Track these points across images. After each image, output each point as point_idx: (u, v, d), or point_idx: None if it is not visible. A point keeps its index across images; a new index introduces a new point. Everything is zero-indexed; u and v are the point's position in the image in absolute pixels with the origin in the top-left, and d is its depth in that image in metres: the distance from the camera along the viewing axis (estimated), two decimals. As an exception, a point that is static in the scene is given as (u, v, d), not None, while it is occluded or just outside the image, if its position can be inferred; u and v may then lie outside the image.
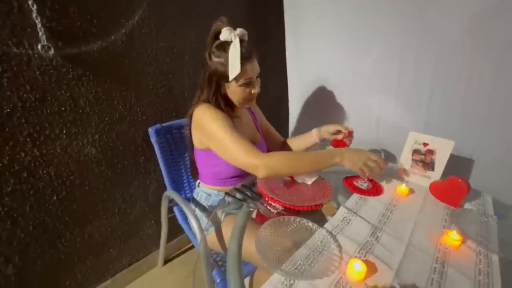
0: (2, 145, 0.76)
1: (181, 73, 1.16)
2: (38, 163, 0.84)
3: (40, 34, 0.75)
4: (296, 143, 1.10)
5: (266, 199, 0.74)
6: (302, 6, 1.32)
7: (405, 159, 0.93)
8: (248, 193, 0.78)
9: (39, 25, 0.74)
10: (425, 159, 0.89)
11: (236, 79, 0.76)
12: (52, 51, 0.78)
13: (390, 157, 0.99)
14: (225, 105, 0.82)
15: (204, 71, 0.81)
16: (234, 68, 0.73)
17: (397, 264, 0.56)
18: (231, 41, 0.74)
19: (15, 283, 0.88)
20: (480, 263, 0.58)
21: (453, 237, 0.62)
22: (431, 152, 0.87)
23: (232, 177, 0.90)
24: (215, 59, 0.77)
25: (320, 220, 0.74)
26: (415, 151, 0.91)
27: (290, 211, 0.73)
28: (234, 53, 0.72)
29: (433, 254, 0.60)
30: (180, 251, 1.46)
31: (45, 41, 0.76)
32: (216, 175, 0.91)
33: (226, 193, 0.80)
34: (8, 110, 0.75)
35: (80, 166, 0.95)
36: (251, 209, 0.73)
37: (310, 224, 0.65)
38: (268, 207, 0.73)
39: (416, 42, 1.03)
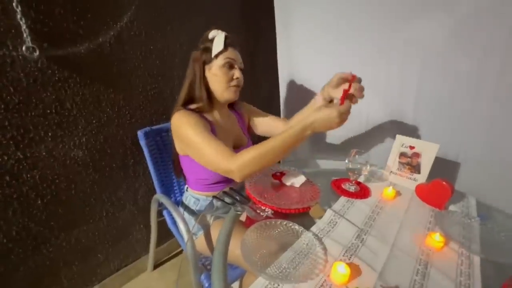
0: (-17, 148, 0.74)
1: (171, 75, 1.16)
2: (21, 167, 0.83)
3: (24, 35, 0.74)
4: (302, 117, 1.09)
5: (254, 202, 0.75)
6: (291, 8, 1.34)
7: (392, 162, 0.94)
8: (237, 197, 0.78)
9: (23, 27, 0.73)
10: (411, 162, 0.90)
11: (217, 56, 0.81)
12: (37, 53, 0.77)
13: (378, 159, 1.01)
14: (206, 97, 0.85)
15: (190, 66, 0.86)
16: (217, 45, 0.80)
17: (381, 266, 0.56)
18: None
19: (-4, 290, 0.86)
20: (462, 264, 0.59)
21: (436, 239, 0.63)
22: (417, 155, 0.89)
23: (218, 183, 0.90)
24: (202, 46, 0.83)
25: (309, 222, 0.75)
26: (402, 154, 0.92)
27: (278, 214, 0.73)
28: (220, 37, 0.81)
29: (417, 255, 0.60)
30: (170, 255, 1.45)
31: (30, 42, 0.75)
32: (201, 181, 0.91)
33: (214, 197, 0.80)
34: (-10, 112, 0.74)
35: (66, 169, 0.93)
36: (239, 213, 0.73)
37: (297, 227, 0.66)
38: (257, 211, 0.74)
39: (403, 44, 1.06)
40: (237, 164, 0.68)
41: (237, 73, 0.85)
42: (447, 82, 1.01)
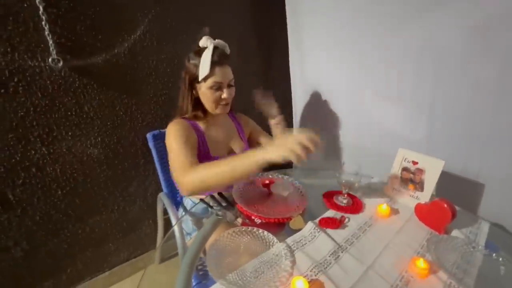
0: (15, 143, 0.88)
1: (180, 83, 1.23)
2: (45, 161, 0.96)
3: (51, 49, 0.86)
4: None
5: (238, 208, 0.76)
6: (303, 14, 1.34)
7: (393, 177, 0.88)
8: (222, 202, 0.80)
9: (50, 41, 0.86)
10: (414, 178, 0.83)
11: (204, 79, 0.83)
12: (61, 63, 0.89)
13: (383, 172, 0.94)
14: (195, 108, 0.89)
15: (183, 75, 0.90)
16: (203, 69, 0.82)
17: (348, 286, 0.53)
18: (207, 47, 0.82)
19: (22, 265, 1.00)
20: (446, 297, 0.53)
21: (420, 265, 0.57)
22: (420, 171, 0.82)
23: None
24: (191, 61, 0.86)
25: (291, 233, 0.73)
26: (404, 169, 0.85)
27: (265, 223, 0.73)
28: (206, 56, 0.81)
29: (394, 281, 0.56)
30: (176, 251, 1.52)
31: (55, 55, 0.88)
32: None
33: (201, 200, 0.83)
34: (22, 114, 0.87)
35: (83, 165, 1.05)
36: (219, 217, 0.75)
37: (270, 236, 0.65)
38: (240, 217, 0.75)
39: (416, 52, 0.99)
40: (187, 180, 0.70)
41: (225, 94, 0.86)
42: (465, 90, 0.91)
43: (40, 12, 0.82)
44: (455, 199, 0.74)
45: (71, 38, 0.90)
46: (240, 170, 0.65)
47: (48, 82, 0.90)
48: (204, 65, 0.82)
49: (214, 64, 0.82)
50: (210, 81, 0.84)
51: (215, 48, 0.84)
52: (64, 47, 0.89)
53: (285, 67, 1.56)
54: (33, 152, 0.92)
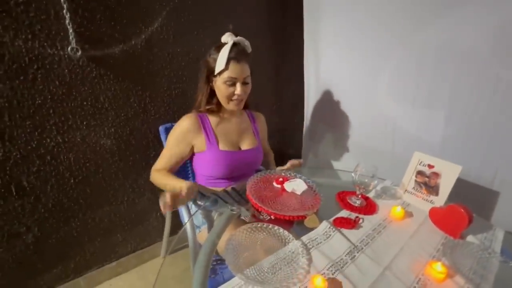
0: (32, 130, 0.89)
1: (195, 77, 1.21)
2: (60, 149, 0.96)
3: (70, 38, 0.87)
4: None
5: (252, 204, 0.76)
6: (321, 15, 1.33)
7: (407, 180, 0.87)
8: (235, 197, 0.81)
9: (70, 30, 0.86)
10: (429, 182, 0.83)
11: (220, 73, 0.85)
12: (79, 53, 0.89)
13: (397, 175, 0.94)
14: (209, 101, 0.92)
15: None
16: (220, 63, 0.83)
17: (365, 287, 0.53)
18: (227, 43, 0.83)
19: (33, 250, 1.01)
20: (464, 302, 0.53)
21: (437, 269, 0.57)
22: (436, 175, 0.81)
23: (220, 179, 0.94)
24: (211, 56, 0.87)
25: (305, 231, 0.74)
26: (419, 173, 0.85)
27: (276, 220, 0.73)
28: (224, 51, 0.82)
29: (411, 283, 0.56)
30: (183, 245, 1.52)
31: (74, 44, 0.88)
32: (206, 177, 0.96)
33: (214, 193, 0.83)
34: (39, 101, 0.88)
35: (96, 155, 1.06)
36: (234, 212, 0.75)
37: (286, 233, 0.65)
38: (255, 213, 0.75)
39: (435, 52, 0.98)
40: (151, 175, 0.94)
41: (237, 90, 0.86)
42: (485, 93, 0.90)
43: (62, 0, 0.81)
44: (468, 205, 0.73)
45: (90, 28, 0.90)
46: (168, 188, 0.84)
47: (66, 71, 0.90)
48: (221, 59, 0.83)
49: (230, 59, 0.83)
50: (225, 76, 0.85)
51: (235, 44, 0.85)
52: (83, 36, 0.89)
53: (299, 66, 1.55)
54: (48, 140, 0.93)
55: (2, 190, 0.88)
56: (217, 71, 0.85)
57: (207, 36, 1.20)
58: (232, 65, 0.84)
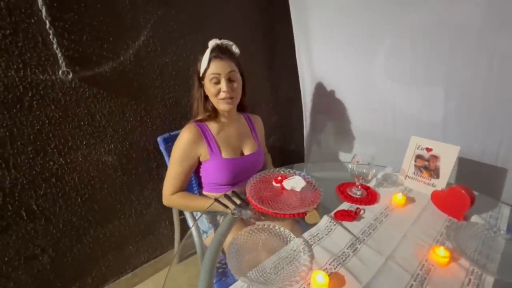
0: (34, 155, 0.92)
1: (187, 84, 1.24)
2: (64, 170, 0.99)
3: (60, 61, 0.88)
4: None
5: (253, 206, 0.77)
6: (307, 5, 1.31)
7: (407, 165, 0.87)
8: (236, 200, 0.82)
9: (59, 54, 0.87)
10: (429, 166, 0.82)
11: (205, 73, 0.87)
12: (71, 75, 0.91)
13: (398, 161, 0.93)
14: (206, 107, 0.94)
15: None
16: (203, 63, 0.86)
17: (368, 278, 0.54)
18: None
19: (50, 270, 1.04)
20: (469, 284, 0.52)
21: (440, 253, 0.57)
22: (435, 158, 0.80)
23: (222, 185, 0.95)
24: (199, 61, 0.89)
25: (307, 227, 0.74)
26: (418, 157, 0.84)
27: (274, 218, 0.74)
28: (207, 52, 0.86)
29: (414, 270, 0.56)
30: (194, 250, 1.55)
31: (65, 67, 0.89)
32: (211, 184, 0.98)
33: (216, 199, 0.84)
34: (38, 127, 0.90)
35: (99, 172, 1.08)
36: (235, 216, 0.76)
37: (287, 232, 0.66)
38: (255, 214, 0.76)
39: (430, 30, 0.95)
40: (165, 200, 0.95)
41: (223, 86, 0.86)
42: (481, 69, 0.88)
43: (47, 26, 0.83)
44: (474, 185, 0.72)
45: (78, 49, 0.92)
46: (195, 209, 0.95)
47: (60, 94, 0.92)
48: (204, 59, 0.86)
49: (212, 57, 0.85)
50: (208, 73, 0.86)
51: (216, 45, 0.86)
52: (72, 59, 0.91)
53: (291, 60, 1.54)
54: (51, 163, 0.96)
55: (14, 216, 0.92)
56: (202, 71, 0.87)
57: (195, 43, 1.21)
58: (214, 62, 0.85)
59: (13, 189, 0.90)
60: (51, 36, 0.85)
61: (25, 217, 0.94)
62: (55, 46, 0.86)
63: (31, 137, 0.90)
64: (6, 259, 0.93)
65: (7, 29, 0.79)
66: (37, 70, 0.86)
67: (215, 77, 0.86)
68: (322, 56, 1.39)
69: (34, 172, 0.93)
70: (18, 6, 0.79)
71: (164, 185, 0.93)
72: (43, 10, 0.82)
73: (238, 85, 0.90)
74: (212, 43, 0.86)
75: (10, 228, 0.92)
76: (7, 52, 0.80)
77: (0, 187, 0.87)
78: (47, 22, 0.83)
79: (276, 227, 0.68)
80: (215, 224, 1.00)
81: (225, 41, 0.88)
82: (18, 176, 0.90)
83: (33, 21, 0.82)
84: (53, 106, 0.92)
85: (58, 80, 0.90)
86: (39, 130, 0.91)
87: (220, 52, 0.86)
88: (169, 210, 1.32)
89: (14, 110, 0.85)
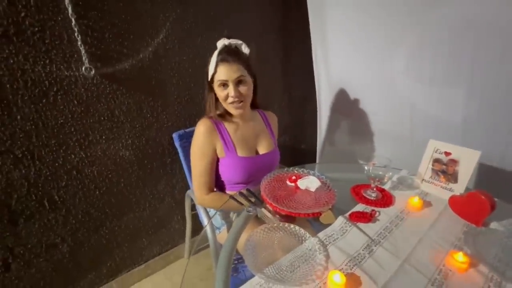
0: (57, 148, 0.95)
1: (202, 82, 1.25)
2: (84, 164, 1.03)
3: (83, 58, 0.91)
4: None
5: (267, 204, 0.78)
6: (326, 2, 1.30)
7: (423, 169, 0.86)
8: (251, 198, 0.83)
9: (82, 51, 0.91)
10: (447, 170, 0.81)
11: (213, 78, 0.87)
12: (93, 71, 0.94)
13: (415, 164, 0.92)
14: (217, 108, 0.94)
15: None
16: (210, 68, 0.86)
17: (384, 280, 0.54)
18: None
19: (68, 259, 1.09)
20: (488, 291, 0.52)
21: (458, 259, 0.56)
22: (454, 162, 0.79)
23: (237, 183, 0.96)
24: (208, 64, 0.88)
25: (321, 227, 0.75)
26: (436, 161, 0.83)
27: (289, 217, 0.75)
28: (213, 56, 0.84)
29: (431, 274, 0.55)
30: (205, 245, 1.57)
31: (88, 63, 0.93)
32: (225, 181, 0.99)
33: (231, 196, 0.86)
34: (61, 121, 0.94)
35: (117, 166, 1.12)
36: (250, 213, 0.78)
37: (302, 231, 0.67)
38: (269, 213, 0.77)
39: (454, 31, 0.93)
40: (199, 200, 0.95)
41: (230, 92, 0.85)
42: (506, 68, 0.85)
43: (73, 24, 0.86)
44: (493, 190, 0.71)
45: (101, 46, 0.95)
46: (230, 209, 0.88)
47: (83, 90, 0.95)
48: (211, 64, 0.85)
49: (218, 62, 0.84)
50: (216, 79, 0.86)
51: (225, 46, 0.85)
52: (95, 55, 0.94)
53: (306, 58, 1.53)
54: (73, 156, 0.99)
55: (37, 205, 0.96)
56: (209, 76, 0.87)
57: (212, 41, 1.21)
58: (221, 67, 0.84)
59: (37, 180, 0.94)
60: (76, 34, 0.88)
61: (48, 207, 0.98)
62: (79, 43, 0.89)
63: (55, 130, 0.93)
64: (29, 246, 0.97)
65: (35, 26, 0.82)
66: (62, 66, 0.89)
67: (222, 82, 0.85)
68: (339, 54, 1.37)
69: (56, 164, 0.96)
70: (46, 4, 0.82)
71: (194, 186, 0.95)
72: (69, 8, 0.84)
73: (247, 87, 0.88)
74: (220, 43, 0.85)
75: (33, 217, 0.96)
76: (34, 48, 0.84)
77: (26, 177, 0.91)
78: (73, 20, 0.86)
79: (292, 226, 0.69)
80: (228, 221, 1.01)
81: (233, 41, 0.87)
82: (42, 168, 0.94)
83: (59, 18, 0.85)
84: (76, 101, 0.95)
85: (81, 76, 0.93)
86: (62, 124, 0.94)
87: (228, 54, 0.84)
88: (181, 205, 1.34)
89: (40, 104, 0.88)
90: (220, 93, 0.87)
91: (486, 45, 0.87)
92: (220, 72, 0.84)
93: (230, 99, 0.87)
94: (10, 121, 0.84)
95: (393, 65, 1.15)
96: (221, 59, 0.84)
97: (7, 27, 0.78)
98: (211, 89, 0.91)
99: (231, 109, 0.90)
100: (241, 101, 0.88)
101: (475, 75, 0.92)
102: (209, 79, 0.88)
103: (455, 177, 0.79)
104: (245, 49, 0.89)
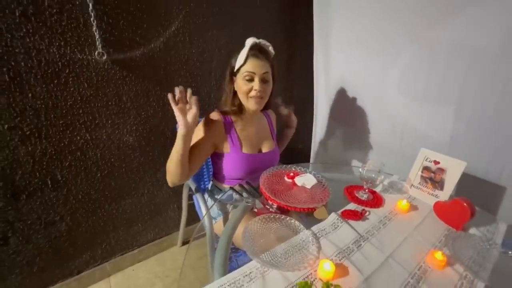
0: (64, 129, 0.98)
1: (208, 76, 1.29)
2: (88, 146, 1.05)
3: (97, 43, 0.94)
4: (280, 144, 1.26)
5: (265, 197, 0.82)
6: (331, 10, 1.35)
7: (413, 175, 0.91)
8: (250, 190, 0.87)
9: (97, 36, 0.93)
10: (434, 177, 0.87)
11: (239, 70, 0.90)
12: (105, 57, 0.97)
13: (404, 170, 0.98)
14: (233, 102, 0.96)
15: None
16: (239, 59, 0.89)
17: (370, 271, 0.59)
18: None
19: (65, 238, 1.11)
20: (462, 286, 0.57)
21: (437, 257, 0.62)
22: (441, 171, 0.85)
23: (238, 178, 1.00)
24: (234, 58, 0.92)
25: (314, 222, 0.79)
26: (425, 168, 0.89)
27: (284, 210, 0.79)
28: (244, 49, 0.88)
29: (412, 269, 0.61)
30: (198, 235, 1.61)
31: (101, 48, 0.95)
32: (226, 175, 1.02)
33: (231, 188, 0.90)
34: (70, 102, 0.96)
35: (120, 151, 1.14)
36: (249, 204, 0.82)
37: (297, 223, 0.71)
38: (266, 205, 0.81)
39: (447, 50, 0.99)
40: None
41: (256, 85, 0.89)
42: (494, 92, 0.91)
43: (90, 9, 0.88)
44: (474, 200, 0.77)
45: (115, 33, 0.97)
46: (178, 149, 0.83)
47: (93, 74, 0.98)
48: (241, 56, 0.89)
49: (249, 55, 0.88)
50: (243, 71, 0.89)
51: (255, 44, 0.90)
52: (108, 41, 0.96)
53: (308, 62, 1.58)
54: (78, 137, 1.02)
55: (40, 183, 0.98)
56: (237, 67, 0.90)
57: (220, 37, 1.26)
58: (251, 60, 0.88)
59: (42, 158, 0.96)
60: (92, 19, 0.90)
61: (50, 185, 1.01)
62: (94, 28, 0.92)
63: (64, 111, 0.96)
64: (29, 222, 1.00)
65: (54, 8, 0.84)
66: (76, 49, 0.92)
67: (249, 75, 0.88)
68: (339, 62, 1.42)
69: (62, 144, 0.99)
70: (65, -13, 0.85)
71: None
72: (88, -7, 0.87)
73: (269, 87, 0.93)
74: (250, 41, 0.89)
75: (35, 193, 0.98)
76: (51, 29, 0.86)
77: (31, 155, 0.93)
78: (90, 4, 0.88)
79: (287, 218, 0.73)
80: (224, 211, 1.06)
81: (263, 41, 0.91)
82: (48, 147, 0.96)
83: (77, 2, 0.87)
84: (86, 84, 0.97)
85: (93, 60, 0.96)
86: (71, 106, 0.97)
87: (259, 52, 0.89)
88: (178, 194, 1.38)
89: (52, 85, 0.91)
90: (243, 86, 0.90)
91: (478, 68, 0.93)
92: (250, 65, 0.88)
93: (253, 93, 0.90)
94: (21, 98, 0.87)
95: (389, 77, 1.21)
96: (253, 54, 0.88)
97: (27, 6, 0.80)
98: (232, 81, 0.95)
99: (251, 103, 0.92)
100: (261, 97, 0.92)
101: (466, 95, 0.98)
102: (234, 70, 0.91)
103: (441, 185, 0.85)
104: (272, 51, 0.94)
